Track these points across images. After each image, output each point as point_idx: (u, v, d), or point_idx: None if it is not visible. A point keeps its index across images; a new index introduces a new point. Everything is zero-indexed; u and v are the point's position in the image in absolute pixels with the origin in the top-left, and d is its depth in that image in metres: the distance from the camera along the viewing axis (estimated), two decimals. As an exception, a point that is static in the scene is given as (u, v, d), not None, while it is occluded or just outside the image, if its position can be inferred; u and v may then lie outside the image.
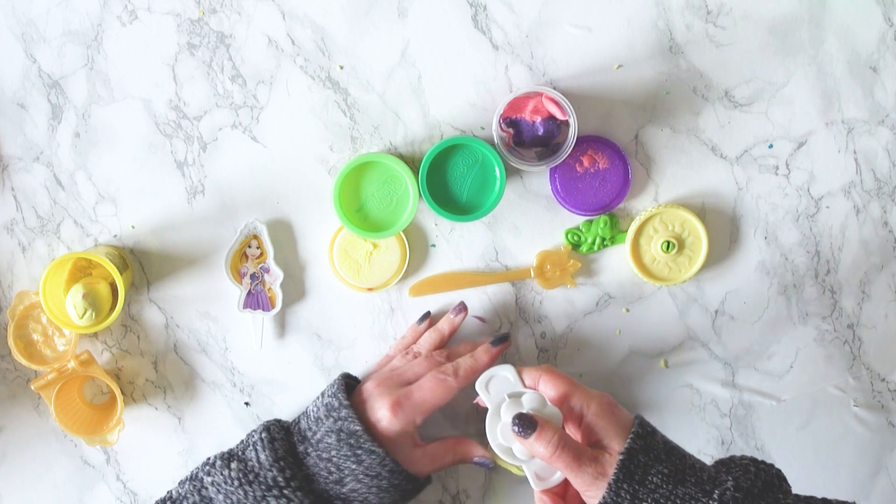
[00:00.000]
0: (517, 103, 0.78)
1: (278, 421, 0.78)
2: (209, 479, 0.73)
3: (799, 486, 0.84)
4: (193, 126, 0.80)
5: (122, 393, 0.81)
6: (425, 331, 0.80)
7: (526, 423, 0.63)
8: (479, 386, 0.67)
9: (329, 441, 0.73)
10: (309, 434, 0.75)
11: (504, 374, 0.68)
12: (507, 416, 0.65)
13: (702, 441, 0.84)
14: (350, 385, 0.78)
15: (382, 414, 0.73)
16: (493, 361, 0.76)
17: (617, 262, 0.82)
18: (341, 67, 0.79)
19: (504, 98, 0.78)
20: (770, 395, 0.84)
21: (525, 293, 0.82)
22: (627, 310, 0.82)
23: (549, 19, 0.79)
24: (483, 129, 0.80)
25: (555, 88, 0.79)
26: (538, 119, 0.77)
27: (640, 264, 0.81)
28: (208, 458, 0.76)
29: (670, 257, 0.80)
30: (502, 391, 0.67)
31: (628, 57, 0.79)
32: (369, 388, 0.75)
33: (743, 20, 0.79)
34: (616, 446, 0.65)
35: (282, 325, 0.82)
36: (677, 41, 0.79)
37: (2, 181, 0.80)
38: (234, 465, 0.73)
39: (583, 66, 0.79)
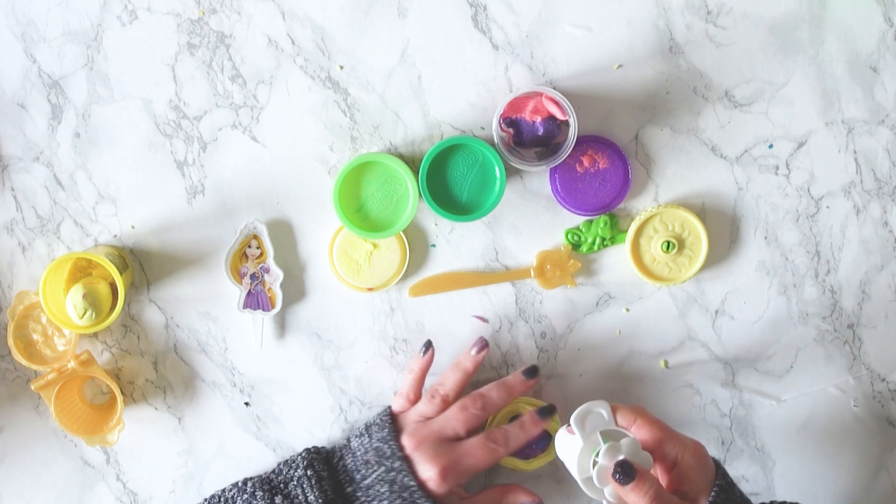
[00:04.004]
0: (517, 103, 0.78)
1: (317, 451, 0.78)
2: None
3: (799, 486, 0.85)
4: (193, 126, 0.80)
5: (122, 393, 0.81)
6: (429, 362, 0.79)
7: (627, 472, 0.64)
8: (575, 421, 0.68)
9: (381, 490, 0.73)
10: (357, 477, 0.75)
11: (599, 412, 0.68)
12: (605, 459, 0.65)
13: (702, 441, 0.84)
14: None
15: (430, 476, 0.73)
16: (541, 431, 0.77)
17: (617, 262, 0.82)
18: (341, 67, 0.79)
19: (504, 98, 0.78)
20: (770, 395, 0.84)
21: (525, 293, 0.82)
22: (627, 310, 0.82)
23: (549, 19, 0.79)
24: (483, 129, 0.80)
25: (555, 88, 0.79)
26: (538, 119, 0.77)
27: (640, 264, 0.81)
28: (244, 485, 0.76)
29: (670, 257, 0.80)
30: (596, 427, 0.67)
31: (628, 57, 0.79)
32: (410, 444, 0.75)
33: (743, 20, 0.79)
34: (703, 499, 0.66)
35: (282, 325, 0.82)
36: (677, 41, 0.79)
37: (2, 181, 0.80)
38: (278, 500, 0.74)
39: (583, 66, 0.79)
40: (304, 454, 0.77)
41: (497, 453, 0.75)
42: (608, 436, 0.67)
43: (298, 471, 0.75)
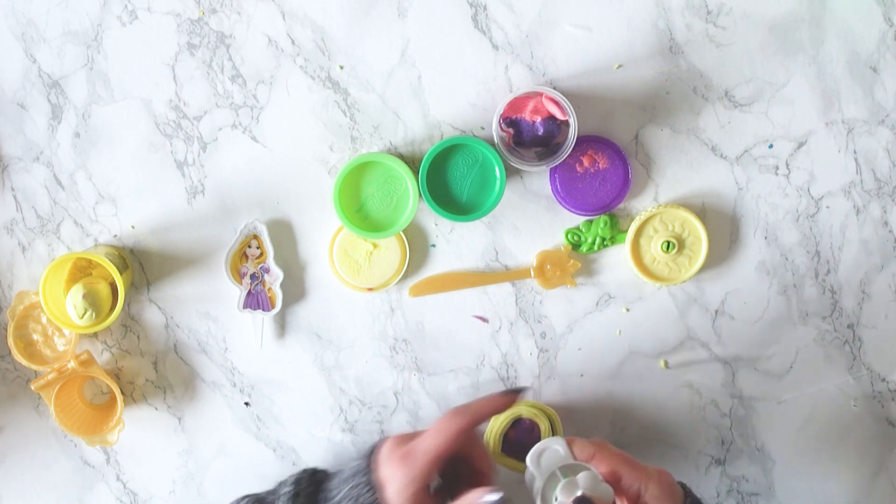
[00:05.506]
0: (517, 103, 0.78)
1: (314, 472, 0.75)
2: None
3: (799, 486, 0.85)
4: (193, 126, 0.80)
5: (122, 393, 0.81)
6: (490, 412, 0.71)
7: None
8: (530, 459, 0.67)
9: None
10: (332, 495, 0.71)
11: (555, 447, 0.67)
12: (563, 496, 0.64)
13: (702, 441, 0.84)
14: None
15: (389, 472, 0.66)
16: (507, 408, 0.69)
17: (617, 262, 0.82)
18: (341, 67, 0.79)
19: (504, 98, 0.78)
20: (770, 395, 0.84)
21: (525, 293, 0.82)
22: (627, 310, 0.82)
23: (549, 19, 0.79)
24: (483, 129, 0.80)
25: (555, 88, 0.79)
26: (538, 119, 0.77)
27: (640, 264, 0.81)
28: (242, 500, 0.74)
29: (670, 257, 0.80)
30: (553, 464, 0.67)
31: (628, 57, 0.79)
32: (382, 449, 0.69)
33: (743, 20, 0.79)
34: None
35: (282, 325, 0.82)
36: (677, 41, 0.79)
37: (2, 181, 0.80)
38: None
39: (583, 66, 0.79)
40: (300, 473, 0.75)
41: (451, 423, 0.66)
42: (569, 470, 0.66)
43: (286, 487, 0.73)
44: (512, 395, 0.69)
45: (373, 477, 0.68)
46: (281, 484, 0.76)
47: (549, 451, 0.67)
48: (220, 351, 0.82)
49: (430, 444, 0.66)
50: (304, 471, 0.76)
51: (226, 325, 0.82)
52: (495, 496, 0.64)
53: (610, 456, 0.66)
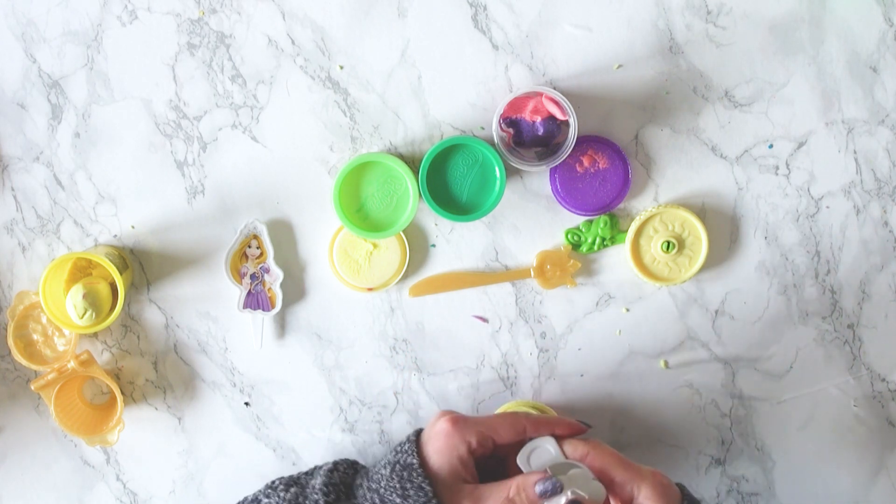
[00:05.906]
0: (517, 103, 0.78)
1: (355, 462, 0.75)
2: (266, 500, 0.72)
3: (799, 486, 0.85)
4: (193, 126, 0.80)
5: (122, 393, 0.81)
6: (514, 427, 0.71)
7: None
8: (520, 458, 0.67)
9: (382, 472, 0.69)
10: (371, 468, 0.71)
11: (546, 447, 0.67)
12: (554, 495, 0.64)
13: (702, 441, 0.84)
14: None
15: (437, 429, 0.67)
16: (569, 433, 0.69)
17: (617, 262, 0.82)
18: (341, 67, 0.79)
19: (504, 98, 0.78)
20: (770, 395, 0.84)
21: (525, 293, 0.82)
22: (627, 310, 0.82)
23: (549, 19, 0.79)
24: (483, 129, 0.80)
25: (555, 88, 0.79)
26: (538, 119, 0.77)
27: (640, 264, 0.81)
28: (274, 481, 0.74)
29: (670, 257, 0.80)
30: (543, 463, 0.66)
31: (628, 57, 0.79)
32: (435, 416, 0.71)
33: (743, 20, 0.79)
34: None
35: (282, 325, 0.82)
36: (677, 41, 0.79)
37: (2, 181, 0.80)
38: (293, 489, 0.71)
39: (583, 66, 0.79)
40: (339, 459, 0.75)
41: (515, 418, 0.68)
42: (560, 469, 0.65)
43: (326, 465, 0.74)
44: (580, 426, 0.70)
45: (421, 436, 0.69)
46: (318, 467, 0.75)
47: (539, 450, 0.67)
48: (220, 351, 0.82)
49: (485, 419, 0.68)
50: (347, 459, 0.76)
51: (226, 325, 0.82)
52: (548, 484, 0.64)
53: (602, 455, 0.66)
